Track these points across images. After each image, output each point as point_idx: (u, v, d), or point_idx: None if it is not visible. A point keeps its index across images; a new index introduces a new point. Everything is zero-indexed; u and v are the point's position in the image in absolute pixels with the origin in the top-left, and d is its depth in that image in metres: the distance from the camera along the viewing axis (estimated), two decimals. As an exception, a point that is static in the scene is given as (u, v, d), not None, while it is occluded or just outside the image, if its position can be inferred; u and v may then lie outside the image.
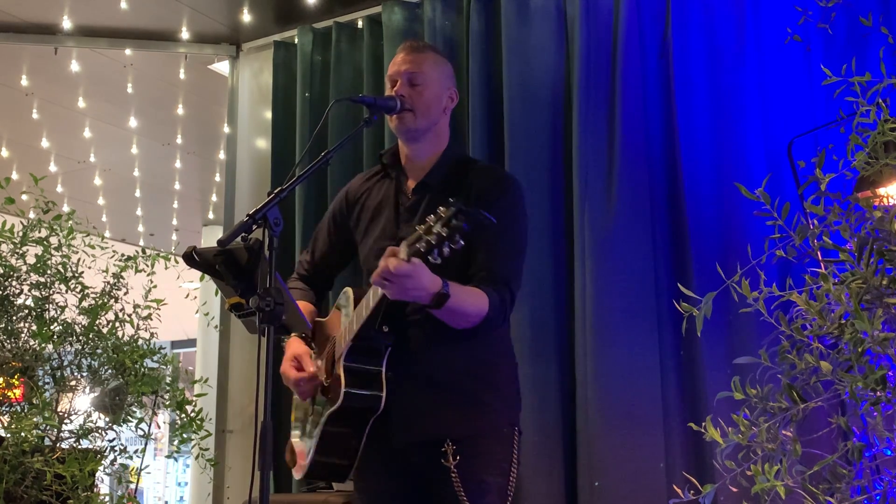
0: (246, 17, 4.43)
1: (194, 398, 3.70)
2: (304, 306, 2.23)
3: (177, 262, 3.41)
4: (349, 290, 2.14)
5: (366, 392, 1.98)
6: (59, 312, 3.55)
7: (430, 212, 1.84)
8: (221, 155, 5.69)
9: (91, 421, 3.47)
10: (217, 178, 6.64)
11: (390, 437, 2.04)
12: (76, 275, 3.55)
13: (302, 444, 2.17)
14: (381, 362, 2.01)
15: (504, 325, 2.13)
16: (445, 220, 1.69)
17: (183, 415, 3.59)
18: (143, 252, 3.72)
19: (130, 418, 3.53)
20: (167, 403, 3.63)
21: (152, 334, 3.69)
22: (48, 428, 3.39)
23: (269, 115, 4.49)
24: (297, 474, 2.16)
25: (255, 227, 1.77)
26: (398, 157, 2.23)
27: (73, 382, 3.52)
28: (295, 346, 2.13)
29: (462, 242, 1.70)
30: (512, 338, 3.34)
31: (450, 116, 2.24)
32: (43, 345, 3.42)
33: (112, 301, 3.59)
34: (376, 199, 2.23)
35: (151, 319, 3.65)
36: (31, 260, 3.52)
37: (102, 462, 3.36)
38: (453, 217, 1.69)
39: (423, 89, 2.13)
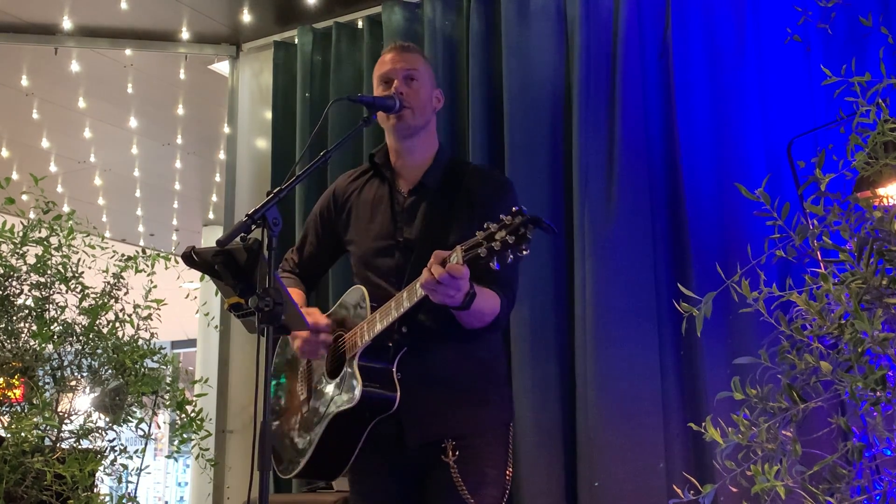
0: (246, 17, 4.43)
1: (194, 398, 3.70)
2: (296, 293, 2.24)
3: (177, 262, 3.40)
4: (363, 289, 2.12)
5: (381, 392, 1.99)
6: (59, 312, 3.55)
7: (431, 213, 1.83)
8: (221, 155, 5.69)
9: (91, 421, 3.47)
10: (217, 178, 6.64)
11: (403, 438, 2.04)
12: (76, 275, 3.55)
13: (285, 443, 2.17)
14: (393, 362, 2.02)
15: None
16: (513, 228, 1.70)
17: (183, 415, 3.59)
18: (143, 252, 3.72)
19: (130, 418, 3.53)
20: (167, 403, 3.63)
21: (152, 334, 3.69)
22: (48, 428, 3.39)
23: (269, 115, 4.49)
24: (282, 474, 2.16)
25: (254, 227, 1.77)
26: (389, 157, 2.24)
27: (73, 382, 3.52)
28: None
29: (527, 251, 1.71)
30: (512, 338, 3.38)
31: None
32: (43, 345, 3.42)
33: (112, 301, 3.59)
34: (368, 199, 2.24)
35: (151, 319, 3.65)
36: (31, 260, 3.52)
37: (102, 462, 3.35)
38: (522, 226, 1.70)
39: (419, 88, 2.17)
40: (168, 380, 3.65)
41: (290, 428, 2.17)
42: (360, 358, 2.00)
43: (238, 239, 1.74)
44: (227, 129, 4.72)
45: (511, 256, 1.71)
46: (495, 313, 2.03)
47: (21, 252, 3.51)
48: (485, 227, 1.75)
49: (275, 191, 1.83)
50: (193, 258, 1.79)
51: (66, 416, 3.46)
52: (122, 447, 3.47)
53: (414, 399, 2.03)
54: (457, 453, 2.01)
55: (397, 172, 2.22)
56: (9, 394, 3.49)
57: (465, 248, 1.78)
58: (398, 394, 1.99)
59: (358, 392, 1.96)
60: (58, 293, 3.56)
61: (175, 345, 10.66)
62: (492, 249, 1.72)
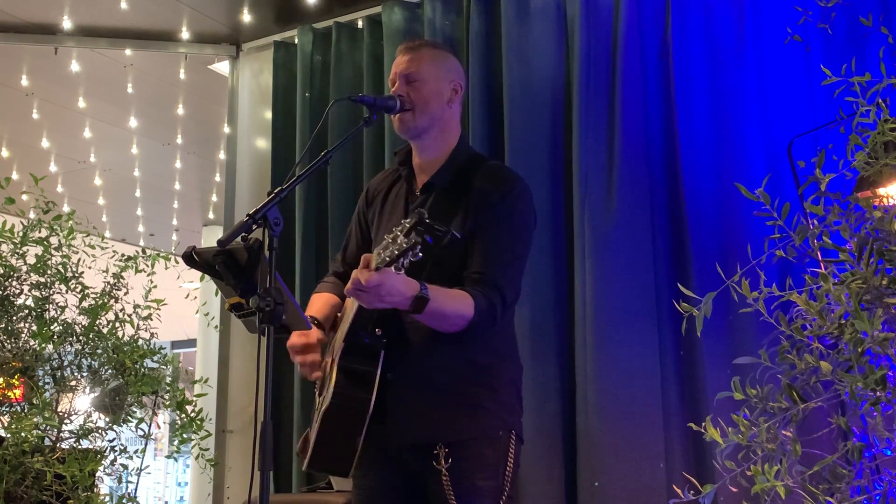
0: (246, 17, 4.43)
1: (194, 398, 3.70)
2: (329, 298, 2.23)
3: (177, 262, 3.40)
4: None
5: (355, 394, 1.97)
6: (59, 312, 3.55)
7: (434, 212, 1.82)
8: (221, 155, 5.69)
9: (91, 421, 3.47)
10: (217, 178, 6.64)
11: (387, 438, 2.03)
12: (76, 275, 3.56)
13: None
14: (377, 364, 1.99)
15: (496, 328, 2.06)
16: (406, 231, 1.69)
17: (183, 415, 3.59)
18: (143, 252, 3.72)
19: (130, 418, 3.54)
20: (167, 403, 3.63)
21: (152, 334, 3.69)
22: (48, 428, 3.39)
23: (269, 115, 4.49)
24: (304, 465, 2.17)
25: (255, 226, 1.76)
26: (411, 155, 2.23)
27: (73, 382, 3.52)
28: None
29: (421, 255, 1.69)
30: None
31: (459, 108, 2.22)
32: (43, 345, 3.42)
33: (112, 301, 3.60)
34: (391, 197, 2.24)
35: (151, 319, 3.66)
36: (31, 260, 3.53)
37: (102, 462, 3.36)
38: (412, 230, 1.68)
39: (420, 86, 2.13)
40: (168, 380, 3.65)
41: (314, 421, 2.18)
42: (340, 359, 1.99)
43: (239, 239, 1.74)
44: (227, 129, 4.72)
45: (408, 260, 1.70)
46: (465, 316, 1.94)
47: (21, 252, 3.52)
48: (392, 230, 1.74)
49: (276, 191, 1.82)
50: (194, 258, 1.79)
51: (66, 416, 3.47)
52: (122, 447, 3.48)
53: (402, 401, 2.01)
54: (449, 461, 1.98)
55: (416, 170, 2.21)
56: (9, 394, 3.49)
57: (377, 251, 1.76)
58: (373, 396, 1.95)
59: (330, 393, 1.96)
60: (58, 293, 3.57)
61: (175, 345, 10.66)
62: (392, 253, 1.71)
